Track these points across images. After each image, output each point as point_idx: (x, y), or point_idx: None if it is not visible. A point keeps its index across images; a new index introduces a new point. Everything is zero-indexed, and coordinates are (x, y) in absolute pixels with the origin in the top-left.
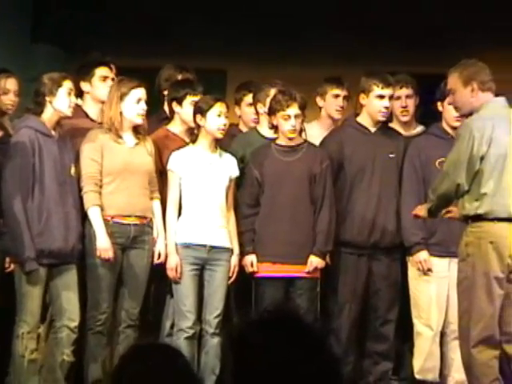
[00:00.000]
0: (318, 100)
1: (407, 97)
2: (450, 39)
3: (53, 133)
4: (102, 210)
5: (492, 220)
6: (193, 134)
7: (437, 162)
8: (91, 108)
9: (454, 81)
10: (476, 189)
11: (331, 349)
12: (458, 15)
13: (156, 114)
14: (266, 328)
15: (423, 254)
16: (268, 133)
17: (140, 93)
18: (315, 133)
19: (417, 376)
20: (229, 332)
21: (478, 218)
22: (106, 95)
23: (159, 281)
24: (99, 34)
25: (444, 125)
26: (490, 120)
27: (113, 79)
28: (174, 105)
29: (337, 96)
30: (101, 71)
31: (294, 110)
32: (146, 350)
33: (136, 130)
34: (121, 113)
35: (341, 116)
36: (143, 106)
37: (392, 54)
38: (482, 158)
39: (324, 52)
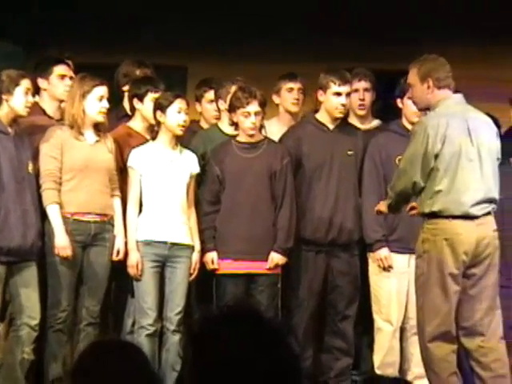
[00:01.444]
0: (275, 98)
1: (365, 90)
2: (408, 36)
3: (9, 130)
4: (62, 207)
5: (447, 217)
6: (154, 130)
7: (397, 159)
8: (48, 105)
9: (412, 76)
10: (431, 186)
11: (290, 344)
12: (416, 12)
13: (115, 111)
14: (224, 323)
15: (384, 251)
16: (229, 129)
17: (102, 90)
18: (275, 130)
19: (377, 371)
20: (189, 327)
21: (434, 215)
22: (63, 93)
23: (120, 278)
24: (58, 32)
25: (404, 121)
26: (444, 117)
27: (71, 77)
28: (135, 101)
29: (291, 89)
30: (59, 69)
31: (253, 107)
32: (104, 346)
33: (97, 127)
34: (83, 110)
35: (297, 109)
36: (105, 104)
37: (351, 51)
38: (436, 156)
39: (286, 49)
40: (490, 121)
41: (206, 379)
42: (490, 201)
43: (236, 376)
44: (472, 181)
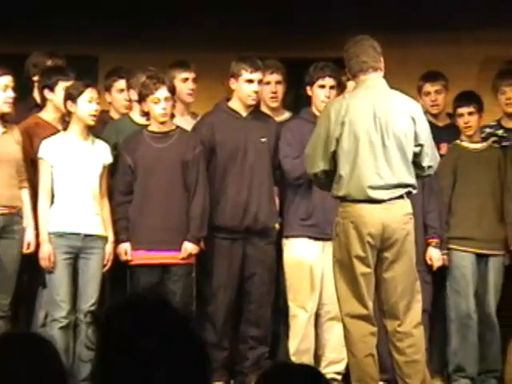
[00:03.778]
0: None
1: (277, 83)
2: (319, 24)
3: None
4: None
5: (353, 201)
6: (65, 121)
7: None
8: None
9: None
10: (336, 171)
11: (197, 333)
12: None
13: (25, 102)
14: (130, 311)
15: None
16: (141, 120)
17: (6, 80)
18: None
19: (292, 358)
20: (95, 317)
21: (343, 198)
22: None
23: (32, 270)
24: None
25: (313, 109)
26: (347, 101)
27: None
28: (46, 92)
29: (186, 79)
30: None
31: (163, 92)
32: (12, 339)
33: (3, 118)
34: None
35: (193, 99)
36: (10, 94)
37: (262, 39)
38: (337, 140)
39: (197, 37)
40: (408, 106)
41: (110, 368)
42: (400, 186)
43: (141, 365)
44: (374, 166)
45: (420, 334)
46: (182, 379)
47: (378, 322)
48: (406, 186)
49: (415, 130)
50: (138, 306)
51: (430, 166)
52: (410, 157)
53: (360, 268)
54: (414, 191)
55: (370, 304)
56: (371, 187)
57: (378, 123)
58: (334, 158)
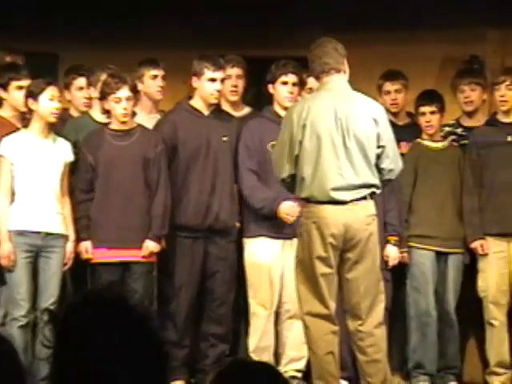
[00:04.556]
0: (137, 84)
1: (237, 77)
2: (280, 23)
3: None
4: None
5: (316, 202)
6: (25, 118)
7: (268, 145)
8: None
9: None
10: (298, 173)
11: (155, 331)
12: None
13: None
14: (87, 309)
15: (286, 204)
16: (101, 117)
17: None
18: (137, 117)
19: (252, 355)
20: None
21: (307, 200)
22: None
23: None
24: None
25: (275, 107)
26: (308, 103)
27: None
28: (1, 91)
29: (155, 77)
30: None
31: (124, 92)
32: None
33: None
34: None
35: (162, 96)
36: None
37: (223, 38)
38: (300, 143)
39: (157, 36)
40: (370, 108)
41: (67, 366)
42: (363, 186)
43: (97, 362)
44: (336, 167)
45: (381, 333)
46: (140, 377)
47: (341, 321)
48: (370, 186)
49: (377, 131)
50: (96, 303)
51: (390, 170)
52: (373, 159)
53: (321, 268)
54: (378, 191)
55: (331, 304)
56: (334, 188)
57: (339, 125)
58: (296, 161)
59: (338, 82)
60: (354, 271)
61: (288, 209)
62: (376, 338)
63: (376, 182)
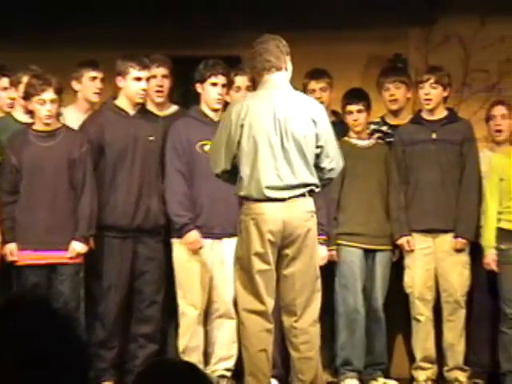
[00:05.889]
0: (74, 84)
1: (163, 76)
2: (204, 22)
3: None
4: None
5: (254, 200)
6: None
7: (197, 145)
8: None
9: None
10: (236, 173)
11: (77, 334)
12: None
13: None
14: (9, 314)
15: (192, 235)
16: (23, 118)
17: None
18: (72, 117)
19: (181, 356)
20: None
21: (245, 198)
22: None
23: None
24: None
25: (203, 107)
26: (247, 103)
27: None
28: None
29: (94, 78)
30: None
31: (49, 94)
32: None
33: None
34: None
35: (99, 98)
36: None
37: (148, 37)
38: (238, 142)
39: (83, 37)
40: (309, 108)
41: None
42: (301, 186)
43: (18, 367)
44: (274, 168)
45: (315, 331)
46: (62, 382)
47: (276, 319)
48: (307, 185)
49: (316, 132)
50: (17, 307)
51: (331, 169)
52: (311, 159)
53: (258, 265)
54: (317, 190)
55: (268, 301)
56: (271, 188)
57: (277, 125)
58: (235, 159)
59: (278, 81)
60: (291, 267)
61: (192, 240)
62: (310, 335)
63: (314, 181)
